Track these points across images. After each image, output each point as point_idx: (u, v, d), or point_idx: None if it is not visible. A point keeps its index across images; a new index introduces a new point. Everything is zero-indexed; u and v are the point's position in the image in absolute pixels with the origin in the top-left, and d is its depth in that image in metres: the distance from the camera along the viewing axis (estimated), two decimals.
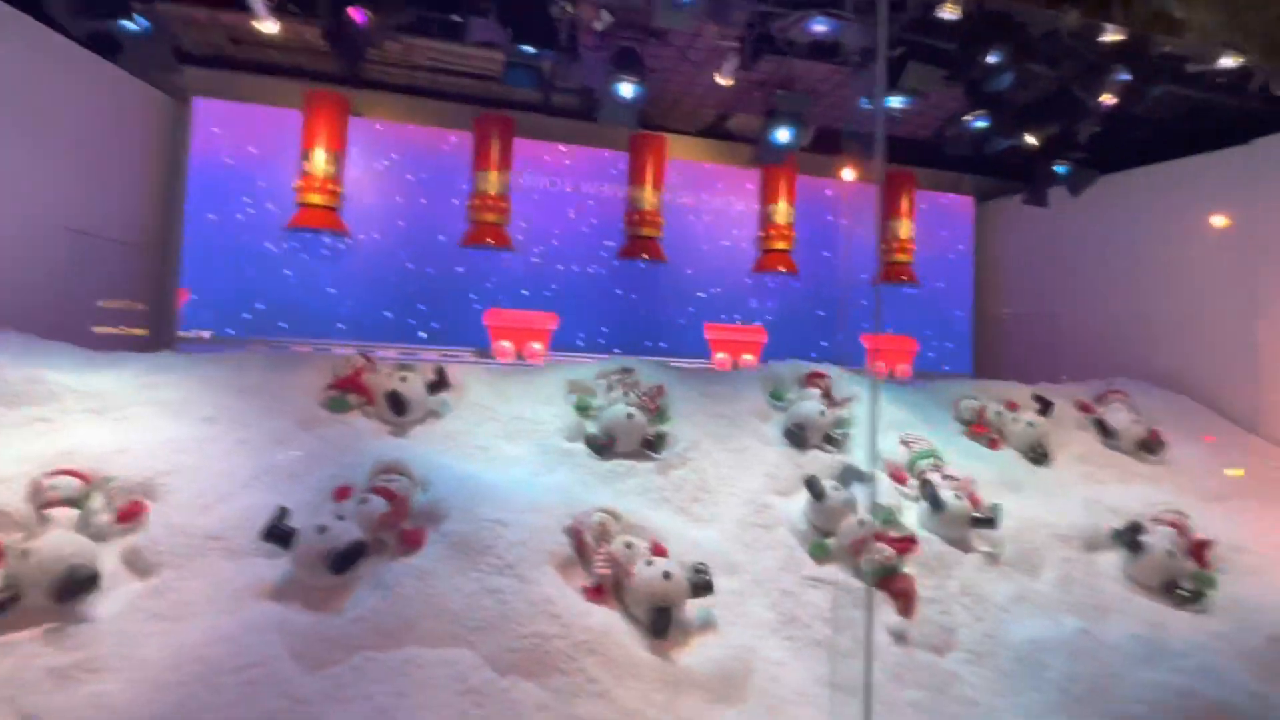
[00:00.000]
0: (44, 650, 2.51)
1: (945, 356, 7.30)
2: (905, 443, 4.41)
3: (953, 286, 7.39)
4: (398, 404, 3.80)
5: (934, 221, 7.18)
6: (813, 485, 3.69)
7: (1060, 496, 4.33)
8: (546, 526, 3.18)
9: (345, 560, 2.74)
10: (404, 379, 3.92)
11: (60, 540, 2.70)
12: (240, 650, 2.52)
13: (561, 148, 6.38)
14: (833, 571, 3.51)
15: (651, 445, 3.95)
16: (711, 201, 6.70)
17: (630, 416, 3.94)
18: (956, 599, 3.55)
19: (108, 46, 4.16)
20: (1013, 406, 5.04)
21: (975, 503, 3.92)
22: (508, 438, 3.98)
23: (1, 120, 4.28)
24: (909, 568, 3.57)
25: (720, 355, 6.40)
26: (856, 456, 4.15)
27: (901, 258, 6.84)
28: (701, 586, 3.07)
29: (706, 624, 3.09)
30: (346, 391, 3.93)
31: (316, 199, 5.51)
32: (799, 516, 3.76)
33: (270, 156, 5.78)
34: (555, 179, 6.38)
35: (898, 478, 4.14)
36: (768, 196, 6.56)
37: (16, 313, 4.22)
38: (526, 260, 6.30)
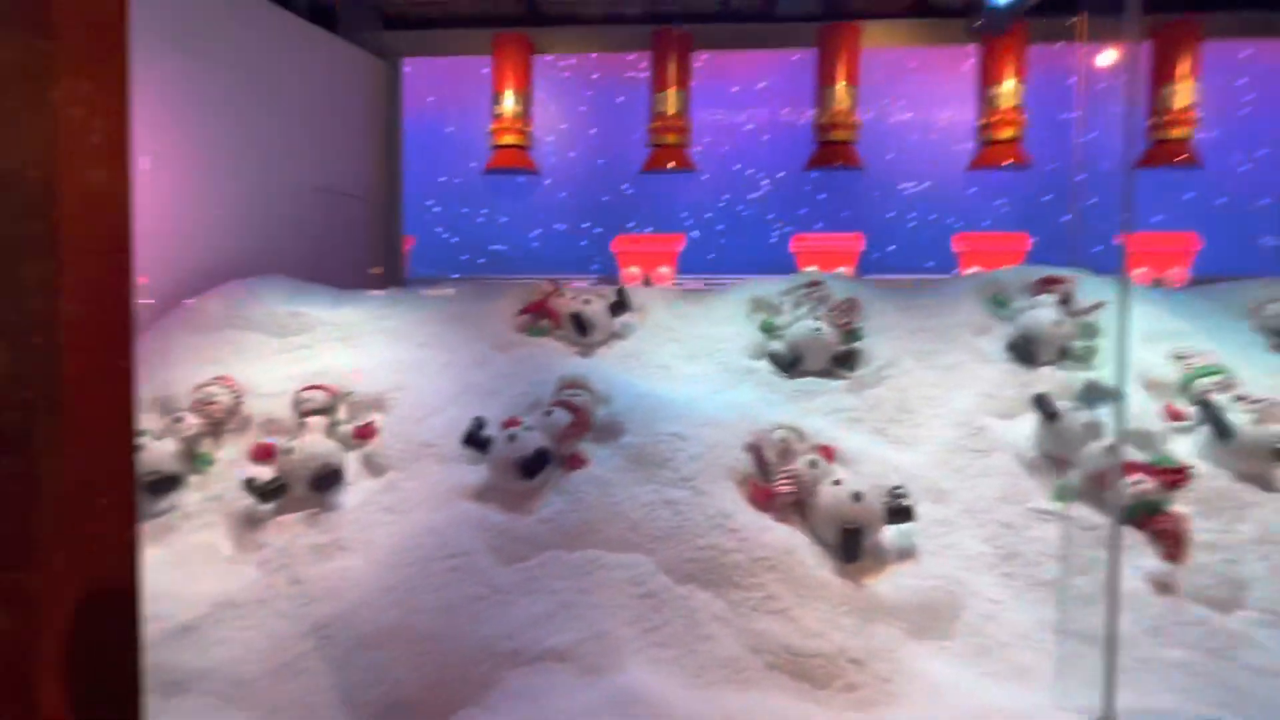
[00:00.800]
0: (307, 531, 3.00)
1: (1239, 255, 5.71)
2: (1180, 357, 3.53)
3: (1262, 166, 5.69)
4: (581, 325, 3.89)
5: (1230, 81, 5.53)
6: (1043, 403, 3.10)
7: None
8: (725, 442, 3.06)
9: (531, 466, 2.88)
10: (588, 302, 3.99)
11: (314, 442, 3.18)
12: (447, 542, 2.79)
13: (743, 55, 5.97)
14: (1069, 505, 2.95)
15: (842, 362, 3.61)
16: (917, 92, 5.84)
17: (817, 331, 3.62)
18: (1250, 547, 2.80)
19: (325, 16, 4.64)
20: None
21: None
22: (688, 357, 3.90)
23: (256, 96, 5.03)
24: (1177, 505, 2.88)
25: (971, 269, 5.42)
26: (1109, 374, 3.42)
27: (1177, 133, 5.38)
28: (899, 512, 2.75)
29: (905, 552, 2.78)
30: (536, 316, 4.12)
31: (509, 139, 5.79)
32: (1024, 442, 3.21)
33: (470, 105, 6.19)
34: (738, 89, 6.00)
35: (1170, 411, 3.32)
36: (989, 76, 5.52)
37: (284, 261, 5.04)
38: (712, 179, 6.07)
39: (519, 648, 2.40)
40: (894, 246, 5.95)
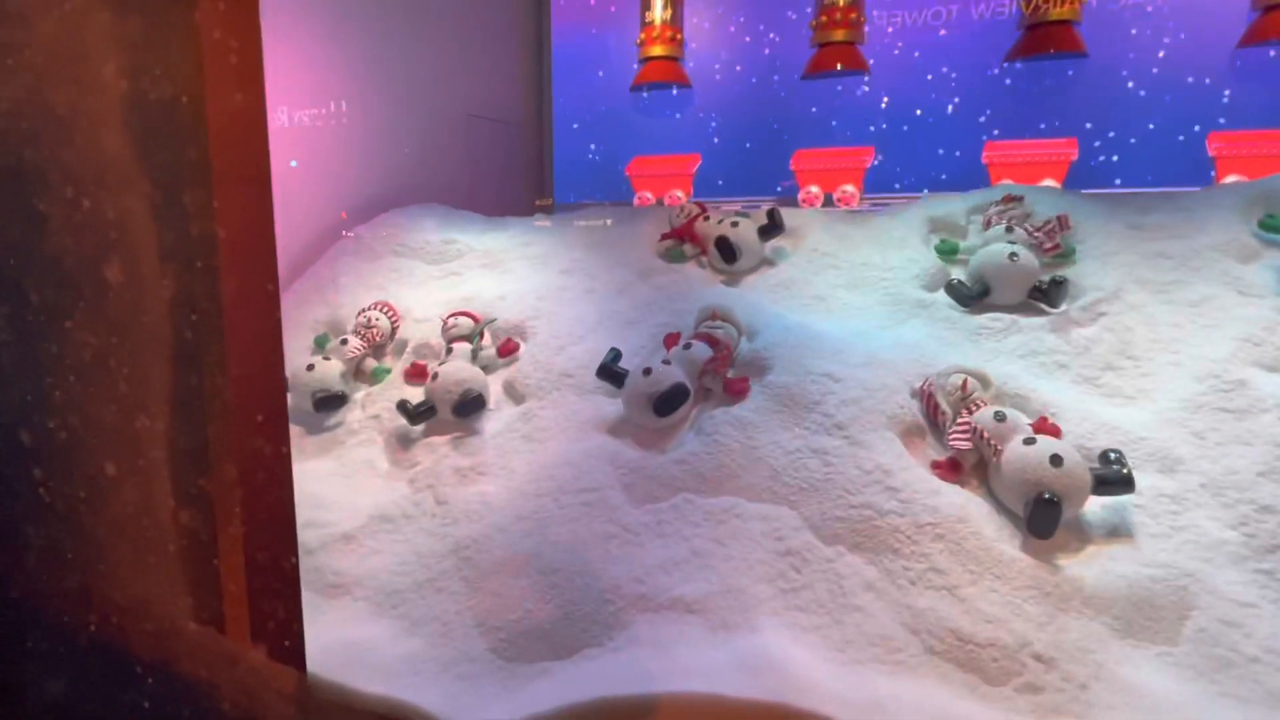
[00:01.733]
0: (451, 454, 3.07)
1: None
2: None
3: None
4: (728, 250, 3.56)
5: None
6: None
7: None
8: (889, 385, 2.65)
9: (667, 402, 2.68)
10: (735, 224, 3.64)
11: (458, 367, 3.22)
12: (580, 475, 2.70)
13: None
14: None
15: (1046, 295, 2.97)
16: None
17: (1014, 257, 2.99)
18: None
19: None
20: None
21: None
22: (849, 286, 3.44)
23: (405, 24, 5.05)
24: None
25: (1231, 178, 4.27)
26: None
27: None
28: (1114, 481, 2.22)
29: (1118, 531, 2.26)
30: (681, 241, 3.85)
31: (659, 50, 5.38)
32: None
33: (620, 15, 5.83)
34: None
35: None
36: None
37: (438, 189, 5.16)
38: (891, 84, 5.27)
39: (647, 592, 2.27)
40: (1122, 156, 4.83)
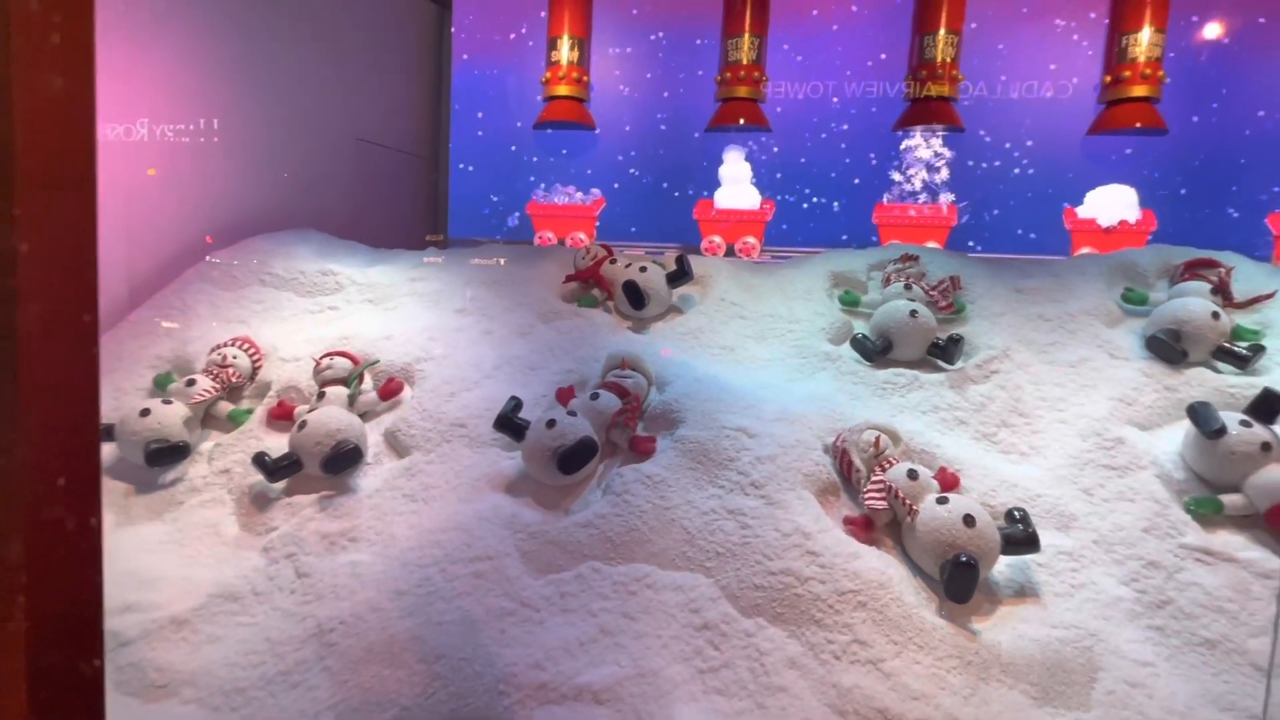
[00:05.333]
0: (317, 516, 2.65)
1: None
2: None
3: None
4: (635, 295, 3.42)
5: None
6: (1201, 415, 2.49)
7: None
8: (803, 441, 2.57)
9: (573, 458, 2.45)
10: (644, 269, 3.52)
11: (330, 415, 2.82)
12: (472, 541, 2.40)
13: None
14: (1235, 541, 2.37)
15: (943, 352, 3.05)
16: (1032, 40, 5.07)
17: (914, 314, 3.06)
18: None
19: None
20: None
21: None
22: (758, 337, 3.39)
23: (292, 39, 4.65)
24: None
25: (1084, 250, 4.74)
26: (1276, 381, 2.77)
27: None
28: (1021, 541, 2.23)
29: (1024, 592, 2.26)
30: (587, 284, 3.68)
31: (564, 90, 5.29)
32: (1171, 460, 2.61)
33: (525, 52, 5.70)
34: (821, 38, 5.34)
35: None
36: (1122, 22, 4.71)
37: (317, 215, 4.71)
38: (785, 139, 5.45)
39: (549, 680, 1.99)
40: (993, 219, 5.24)
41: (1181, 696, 2.01)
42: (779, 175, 5.51)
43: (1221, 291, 3.13)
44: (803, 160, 5.46)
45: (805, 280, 3.64)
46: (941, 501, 2.26)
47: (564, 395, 2.87)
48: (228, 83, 4.20)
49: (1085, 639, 2.11)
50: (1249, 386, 2.75)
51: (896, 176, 5.27)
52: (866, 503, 2.35)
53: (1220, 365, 2.92)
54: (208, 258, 4.00)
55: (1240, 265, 3.34)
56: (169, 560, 2.56)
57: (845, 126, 5.46)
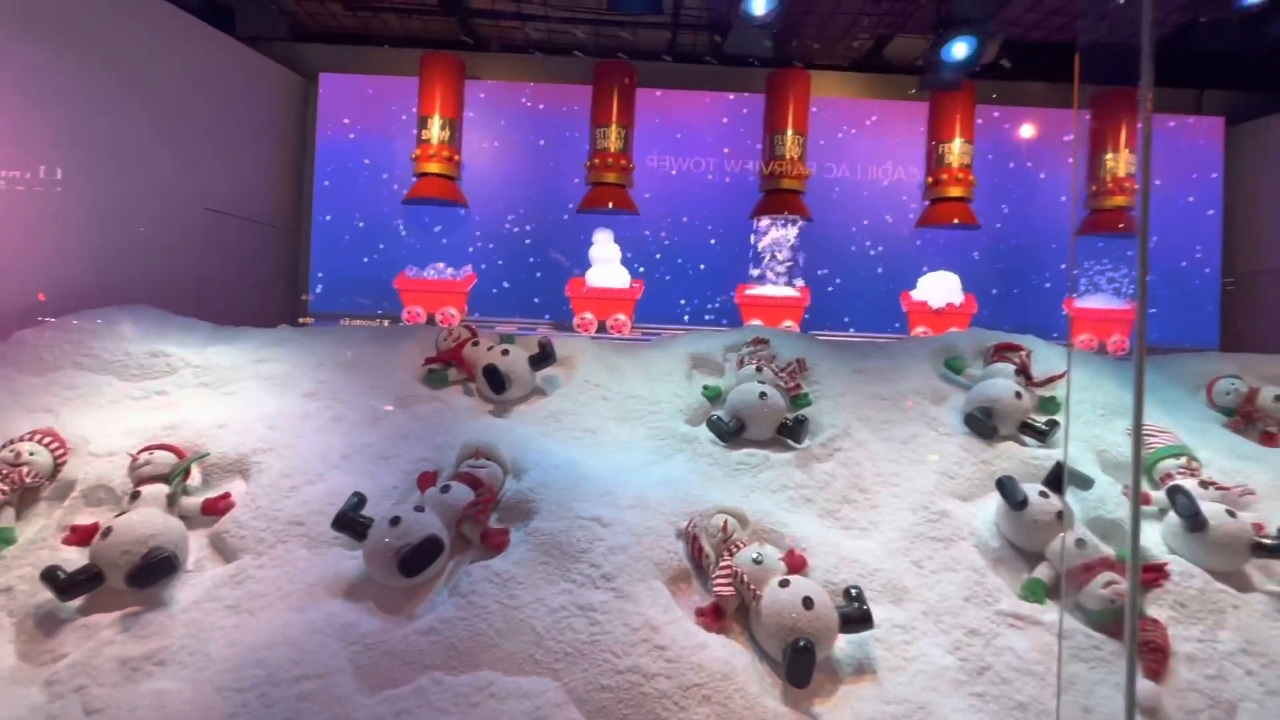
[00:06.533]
0: (118, 639, 2.34)
1: (1180, 325, 5.74)
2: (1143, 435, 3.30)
3: (1192, 236, 5.77)
4: (496, 380, 3.39)
5: (1165, 153, 5.62)
6: (1008, 489, 2.77)
7: None
8: (655, 529, 2.59)
9: (416, 558, 2.33)
10: (505, 352, 3.50)
11: (143, 518, 2.53)
12: (300, 657, 2.19)
13: (688, 94, 5.71)
14: (1039, 605, 2.60)
15: (790, 432, 3.22)
16: (866, 145, 5.69)
17: (764, 396, 3.23)
18: (1232, 658, 2.50)
19: (224, 20, 4.10)
20: None
21: (1259, 527, 2.79)
22: (619, 419, 3.44)
23: (140, 102, 4.39)
24: (1152, 609, 2.59)
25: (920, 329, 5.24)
26: (1069, 452, 3.15)
27: (1120, 200, 5.39)
28: (856, 619, 2.33)
29: (862, 669, 2.35)
30: (448, 365, 3.60)
31: (434, 168, 5.30)
32: (988, 529, 2.87)
33: (394, 128, 5.68)
34: (683, 130, 5.72)
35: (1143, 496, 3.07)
36: (939, 132, 5.43)
37: (157, 288, 4.36)
38: (652, 222, 5.72)
39: None
40: (839, 303, 5.72)
41: None
42: (655, 256, 5.74)
43: (1023, 372, 3.55)
44: (668, 242, 5.74)
45: (666, 361, 3.77)
46: (784, 585, 2.34)
47: (425, 480, 2.76)
48: (55, 141, 3.86)
49: (915, 713, 2.22)
50: (1048, 458, 3.12)
51: (754, 270, 5.66)
52: (715, 590, 2.39)
53: (1026, 439, 3.28)
54: (16, 333, 3.57)
55: (1038, 348, 3.82)
56: None
57: (710, 209, 5.83)
